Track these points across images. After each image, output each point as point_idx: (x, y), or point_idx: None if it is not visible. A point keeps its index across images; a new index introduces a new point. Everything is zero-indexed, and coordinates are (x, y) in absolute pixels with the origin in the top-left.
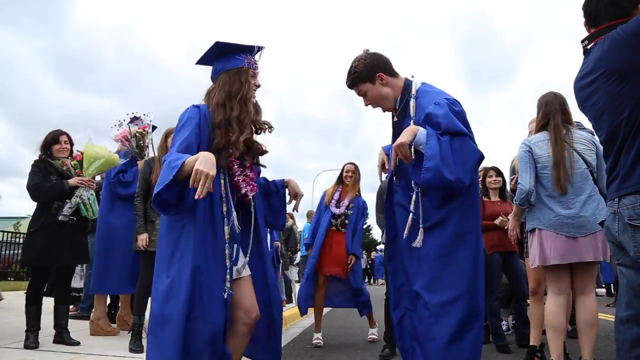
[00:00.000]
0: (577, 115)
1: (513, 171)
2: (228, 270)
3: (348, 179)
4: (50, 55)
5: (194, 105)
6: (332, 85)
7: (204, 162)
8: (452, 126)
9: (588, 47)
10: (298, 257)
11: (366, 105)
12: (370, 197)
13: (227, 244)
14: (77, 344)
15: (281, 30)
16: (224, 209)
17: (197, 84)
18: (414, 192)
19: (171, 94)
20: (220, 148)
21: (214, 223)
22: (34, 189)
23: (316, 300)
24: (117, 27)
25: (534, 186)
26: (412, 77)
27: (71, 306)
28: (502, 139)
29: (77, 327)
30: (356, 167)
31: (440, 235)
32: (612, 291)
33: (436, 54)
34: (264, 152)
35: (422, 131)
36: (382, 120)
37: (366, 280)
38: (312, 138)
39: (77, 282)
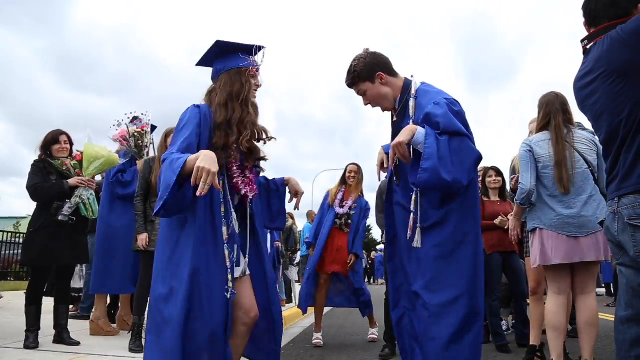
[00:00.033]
0: (578, 115)
1: (513, 171)
2: (229, 271)
3: (351, 179)
4: (50, 55)
5: (194, 105)
6: (332, 85)
7: (205, 159)
8: (450, 126)
9: (588, 46)
10: (298, 257)
11: (365, 104)
12: (370, 196)
13: (226, 244)
14: (77, 344)
15: (281, 30)
16: (223, 209)
17: (197, 84)
18: (414, 192)
19: (171, 94)
20: (219, 148)
21: (214, 223)
22: (34, 189)
23: (317, 299)
24: (117, 27)
25: (535, 186)
26: (412, 76)
27: (71, 306)
28: (502, 139)
29: (77, 327)
30: (359, 167)
31: (440, 236)
32: (612, 291)
33: (436, 54)
34: (262, 159)
35: (420, 131)
36: (381, 120)
37: (366, 280)
38: (312, 138)
39: (76, 283)
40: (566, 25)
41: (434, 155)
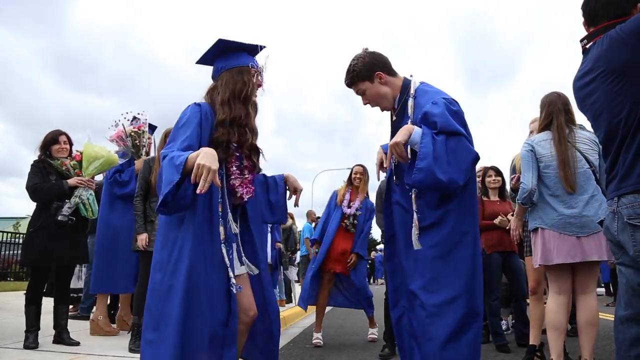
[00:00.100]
0: (578, 116)
1: (513, 170)
2: (229, 268)
3: (357, 180)
4: (50, 55)
5: (195, 103)
6: (331, 85)
7: (206, 156)
8: (448, 126)
9: (587, 46)
10: (298, 257)
11: (365, 104)
12: (370, 196)
13: (223, 244)
14: (77, 344)
15: (281, 30)
16: (220, 209)
17: (196, 84)
18: (413, 192)
19: (170, 94)
20: (219, 144)
21: (212, 222)
22: (33, 189)
23: (319, 299)
24: (116, 27)
25: (536, 185)
26: (411, 76)
27: (71, 306)
28: (502, 138)
29: (76, 327)
30: (365, 168)
31: (437, 236)
32: (611, 290)
33: (435, 54)
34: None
35: (417, 130)
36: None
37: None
38: (312, 138)
39: (75, 283)
40: (565, 25)
41: (429, 155)
